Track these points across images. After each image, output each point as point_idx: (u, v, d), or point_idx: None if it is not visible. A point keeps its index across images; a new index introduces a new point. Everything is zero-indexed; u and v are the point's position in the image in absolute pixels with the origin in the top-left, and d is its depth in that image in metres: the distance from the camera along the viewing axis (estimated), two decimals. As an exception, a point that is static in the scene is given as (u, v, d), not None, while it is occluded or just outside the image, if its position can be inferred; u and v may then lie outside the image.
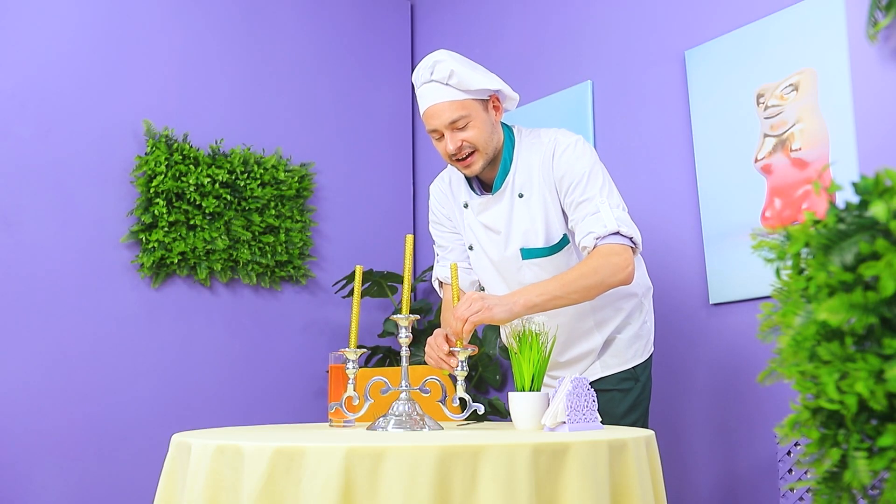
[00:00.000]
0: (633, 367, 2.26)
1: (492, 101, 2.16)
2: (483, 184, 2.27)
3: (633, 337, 2.26)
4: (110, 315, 3.14)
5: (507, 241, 2.21)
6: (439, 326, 3.46)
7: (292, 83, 3.63)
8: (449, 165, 2.28)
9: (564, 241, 2.18)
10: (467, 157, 2.14)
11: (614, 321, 2.25)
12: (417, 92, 2.17)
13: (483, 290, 2.36)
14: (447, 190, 2.36)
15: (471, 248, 2.29)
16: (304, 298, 3.56)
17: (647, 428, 2.18)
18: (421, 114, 2.17)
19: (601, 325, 2.24)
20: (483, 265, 2.28)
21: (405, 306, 1.93)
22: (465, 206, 2.28)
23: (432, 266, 3.61)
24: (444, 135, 2.12)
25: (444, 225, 2.40)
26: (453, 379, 1.97)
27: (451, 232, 2.39)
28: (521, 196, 2.18)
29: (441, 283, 2.43)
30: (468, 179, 2.26)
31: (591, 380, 2.19)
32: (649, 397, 2.31)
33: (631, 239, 2.07)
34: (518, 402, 1.83)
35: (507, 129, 2.24)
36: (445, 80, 2.08)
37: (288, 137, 3.59)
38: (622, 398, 2.21)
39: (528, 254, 2.19)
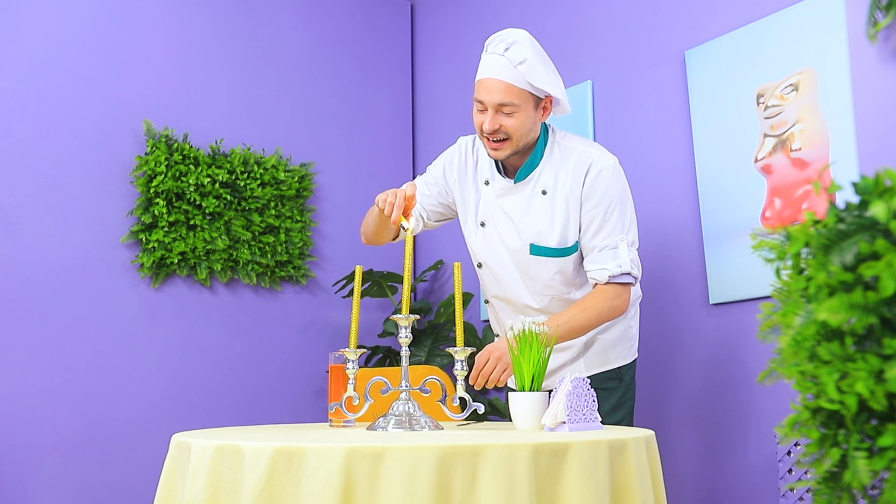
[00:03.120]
0: (618, 368, 2.32)
1: (545, 102, 2.18)
2: (507, 169, 2.29)
3: (617, 339, 2.32)
4: (110, 315, 3.14)
5: (519, 232, 2.24)
6: (439, 326, 3.47)
7: (292, 83, 3.63)
8: None
9: (574, 248, 2.22)
10: (498, 141, 2.16)
11: None
12: (483, 56, 2.17)
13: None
14: (471, 158, 2.34)
15: (482, 224, 2.30)
16: (304, 298, 3.56)
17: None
18: (476, 79, 2.17)
19: None
20: (494, 245, 2.29)
21: (405, 306, 1.93)
22: (487, 182, 2.29)
23: (432, 266, 3.62)
24: (487, 110, 2.13)
25: (437, 180, 2.38)
26: (453, 379, 1.97)
27: (436, 188, 2.36)
28: (544, 193, 2.21)
29: None
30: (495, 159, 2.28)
31: None
32: (633, 398, 2.37)
33: (636, 278, 2.19)
34: (518, 402, 1.83)
35: (543, 126, 2.26)
36: (515, 63, 2.10)
37: (288, 137, 3.59)
38: (606, 397, 2.27)
39: (536, 250, 2.23)
